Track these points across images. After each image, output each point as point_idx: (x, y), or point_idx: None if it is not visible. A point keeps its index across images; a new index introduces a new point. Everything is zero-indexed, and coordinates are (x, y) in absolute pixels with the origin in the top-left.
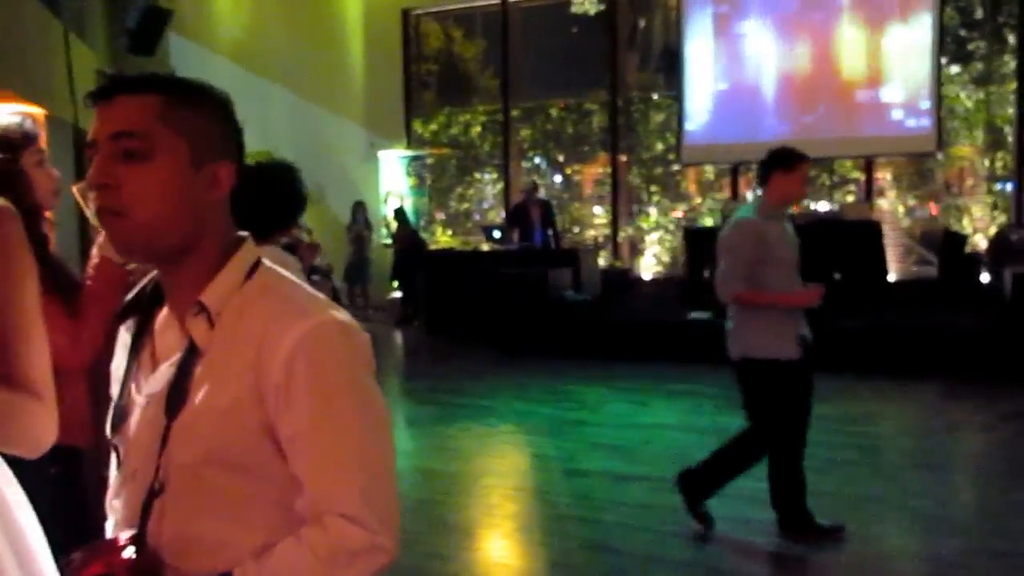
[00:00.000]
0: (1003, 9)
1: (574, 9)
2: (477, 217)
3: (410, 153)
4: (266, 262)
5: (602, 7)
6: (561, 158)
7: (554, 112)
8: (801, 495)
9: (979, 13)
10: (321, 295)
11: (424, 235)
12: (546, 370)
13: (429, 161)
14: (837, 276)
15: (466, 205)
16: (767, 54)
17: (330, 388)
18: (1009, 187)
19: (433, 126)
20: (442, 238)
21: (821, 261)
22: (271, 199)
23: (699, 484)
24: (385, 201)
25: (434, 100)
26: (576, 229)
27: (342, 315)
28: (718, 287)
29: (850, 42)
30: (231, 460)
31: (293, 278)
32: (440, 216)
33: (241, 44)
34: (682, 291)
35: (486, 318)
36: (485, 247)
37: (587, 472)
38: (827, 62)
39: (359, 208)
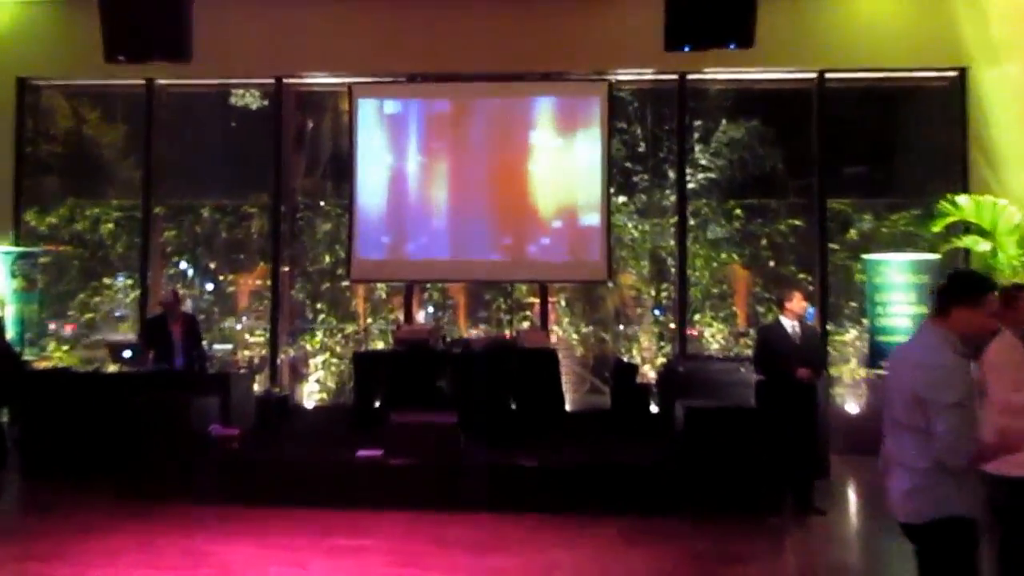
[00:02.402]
0: (663, 145)
1: (234, 101)
2: (105, 331)
3: (17, 250)
4: None
5: (265, 103)
6: (213, 265)
7: (206, 213)
8: None
9: (642, 147)
10: None
11: (32, 351)
12: (183, 524)
13: (43, 260)
14: (513, 406)
15: (91, 315)
16: (448, 172)
17: None
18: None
19: (52, 219)
20: (56, 354)
21: (499, 391)
22: None
23: None
24: None
25: (57, 188)
26: (228, 348)
27: None
28: (951, 451)
29: (529, 170)
30: None
31: None
32: (56, 328)
33: None
34: (350, 424)
35: (108, 458)
36: (112, 368)
37: None
38: (506, 187)
39: None
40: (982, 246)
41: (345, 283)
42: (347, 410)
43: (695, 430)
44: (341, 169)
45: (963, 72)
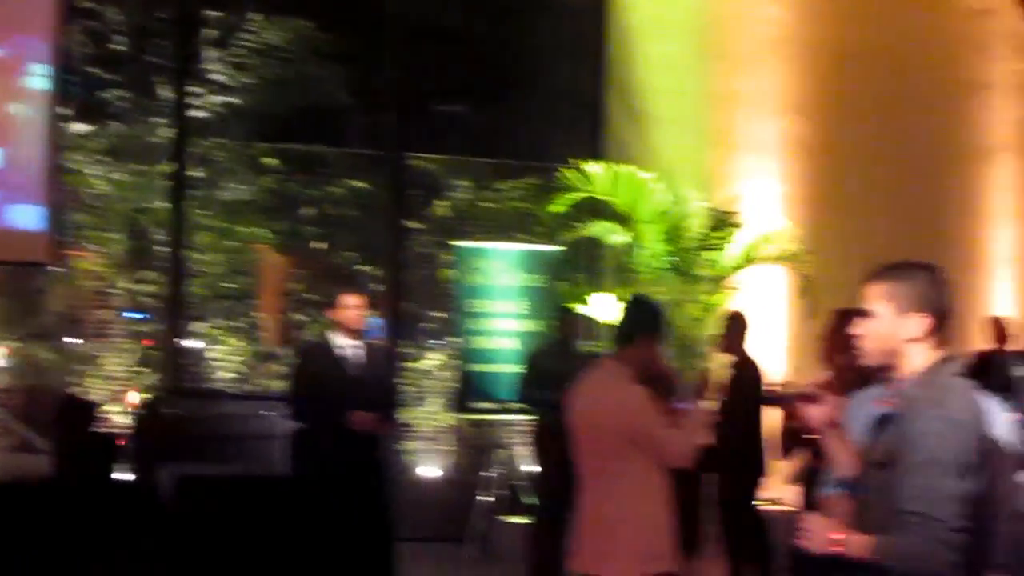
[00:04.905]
0: (154, 45)
1: None
2: None
3: None
4: None
5: None
6: None
7: None
8: None
9: (120, 45)
10: None
11: None
12: None
13: None
14: None
15: None
16: None
17: None
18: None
19: None
20: None
21: None
22: None
23: None
24: None
25: None
26: None
27: None
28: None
29: None
30: None
31: None
32: None
33: None
34: None
35: None
36: None
37: None
38: None
39: None
40: (617, 237)
41: None
42: None
43: (192, 512)
44: None
45: None
